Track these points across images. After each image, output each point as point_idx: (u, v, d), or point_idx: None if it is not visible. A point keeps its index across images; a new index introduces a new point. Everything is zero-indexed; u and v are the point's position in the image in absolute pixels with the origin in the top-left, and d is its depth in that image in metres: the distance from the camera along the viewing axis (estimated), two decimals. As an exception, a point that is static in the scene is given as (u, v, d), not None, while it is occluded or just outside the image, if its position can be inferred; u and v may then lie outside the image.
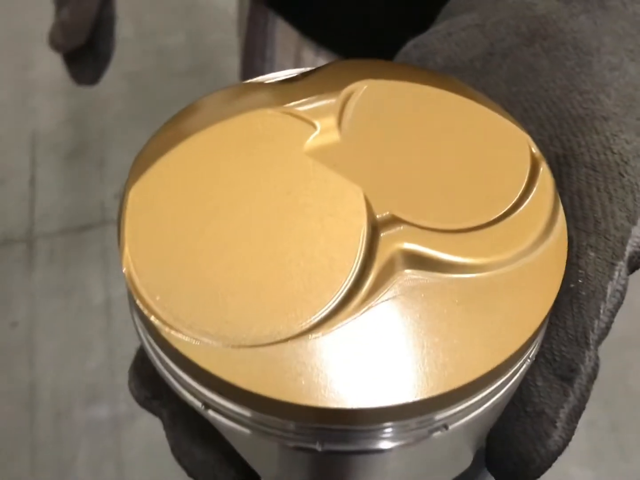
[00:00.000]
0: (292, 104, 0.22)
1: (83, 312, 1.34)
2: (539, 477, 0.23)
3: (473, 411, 0.20)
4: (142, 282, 0.20)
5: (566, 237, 0.21)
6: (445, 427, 0.19)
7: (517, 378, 0.21)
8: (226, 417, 0.20)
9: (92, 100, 1.61)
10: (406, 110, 0.23)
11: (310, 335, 0.19)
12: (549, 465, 0.23)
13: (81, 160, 1.53)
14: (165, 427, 0.24)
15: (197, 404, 0.20)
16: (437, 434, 0.19)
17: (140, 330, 0.21)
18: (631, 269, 0.25)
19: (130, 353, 0.24)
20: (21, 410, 1.23)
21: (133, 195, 0.21)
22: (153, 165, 0.21)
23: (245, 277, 0.20)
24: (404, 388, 0.18)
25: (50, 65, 1.61)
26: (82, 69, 0.45)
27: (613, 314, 0.24)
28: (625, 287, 0.24)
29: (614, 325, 0.24)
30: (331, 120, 0.22)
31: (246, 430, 0.20)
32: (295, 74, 0.24)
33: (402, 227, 0.20)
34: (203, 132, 0.22)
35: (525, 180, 0.22)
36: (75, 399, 1.24)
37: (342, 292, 0.19)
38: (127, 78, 1.63)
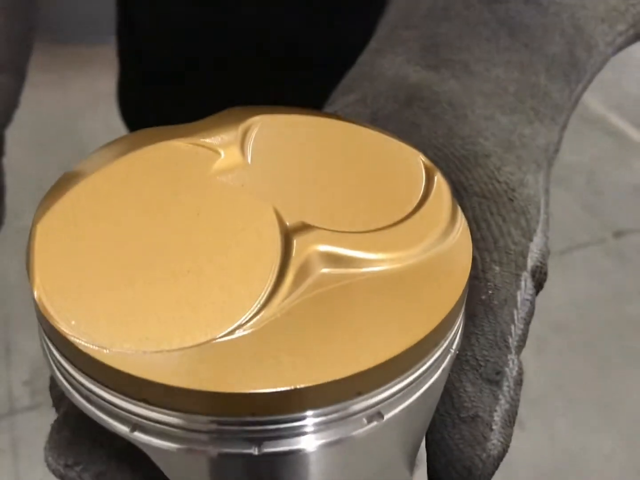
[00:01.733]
0: (195, 137, 0.23)
1: (-7, 510, 1.25)
2: None
3: (406, 399, 0.20)
4: (55, 308, 0.19)
5: (468, 230, 0.23)
6: (381, 415, 0.19)
7: (443, 370, 0.21)
8: (153, 434, 0.19)
9: (-4, 289, 1.59)
10: (303, 137, 0.24)
11: (234, 334, 0.19)
12: (492, 472, 0.23)
13: (-16, 351, 1.48)
14: None
15: (124, 429, 0.19)
16: (373, 424, 0.19)
17: (55, 367, 0.21)
18: (537, 285, 0.26)
19: None
20: None
21: (40, 227, 0.21)
22: (60, 198, 0.21)
23: (163, 295, 0.20)
24: (338, 364, 0.18)
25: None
26: None
27: (527, 321, 0.25)
28: (533, 300, 0.25)
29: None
30: (234, 148, 0.23)
31: (177, 446, 0.19)
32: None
33: (314, 232, 0.21)
34: (110, 165, 0.22)
35: (423, 185, 0.23)
36: None
37: (262, 297, 0.19)
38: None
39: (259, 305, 0.19)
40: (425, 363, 0.20)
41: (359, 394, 0.19)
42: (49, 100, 2.00)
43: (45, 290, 0.20)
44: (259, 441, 0.19)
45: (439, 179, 0.23)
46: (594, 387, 1.38)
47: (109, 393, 0.19)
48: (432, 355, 0.20)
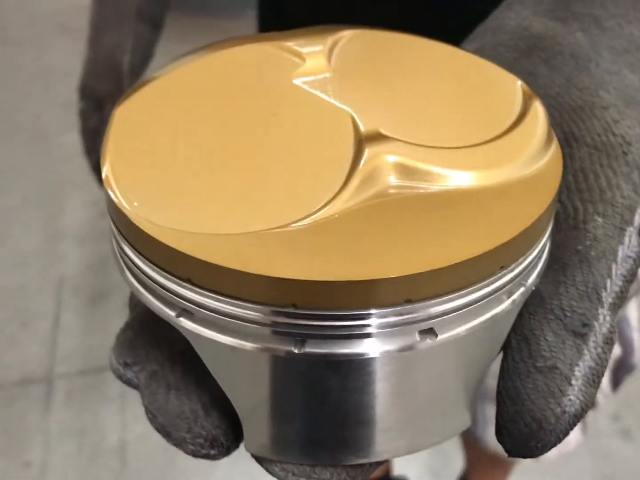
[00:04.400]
0: (284, 43, 0.23)
1: (97, 454, 1.30)
2: (555, 443, 0.21)
3: (463, 320, 0.19)
4: (120, 187, 0.19)
5: (561, 160, 0.21)
6: (434, 333, 0.18)
7: (513, 303, 0.20)
8: (197, 321, 0.19)
9: (120, 247, 1.64)
10: (394, 53, 0.23)
11: (289, 227, 0.18)
12: (566, 431, 0.21)
13: (106, 303, 1.54)
14: (142, 390, 0.23)
15: (170, 313, 0.19)
16: (426, 342, 0.18)
17: (117, 251, 0.21)
18: None
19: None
20: None
21: (120, 111, 0.21)
22: (143, 87, 0.22)
23: (227, 186, 0.19)
24: (386, 266, 0.17)
25: (80, 212, 1.67)
26: None
27: (627, 279, 0.23)
28: (638, 259, 0.24)
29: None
30: (320, 56, 0.23)
31: (220, 336, 0.19)
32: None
33: (388, 142, 0.20)
34: (195, 62, 0.22)
35: (518, 110, 0.22)
36: None
37: (323, 199, 0.19)
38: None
39: (318, 206, 0.19)
40: (487, 285, 0.19)
41: (408, 301, 0.18)
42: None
43: (114, 171, 0.20)
44: (302, 338, 0.18)
45: (536, 106, 0.22)
46: None
47: (157, 272, 0.19)
48: (497, 279, 0.19)
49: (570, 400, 0.21)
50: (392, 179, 0.19)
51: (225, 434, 0.21)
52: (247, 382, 0.20)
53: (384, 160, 0.20)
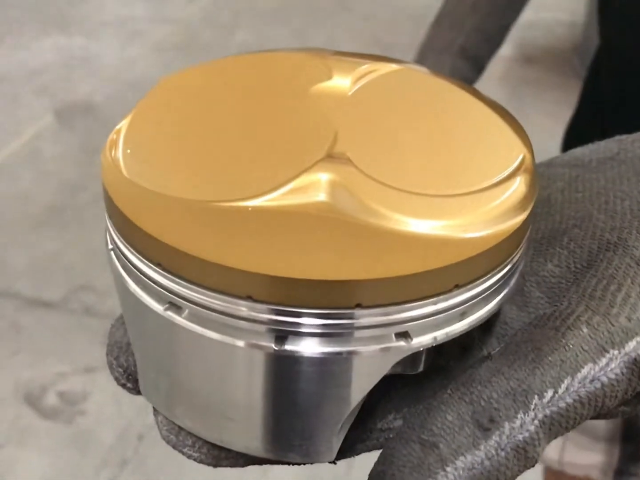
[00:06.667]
0: (328, 58, 0.25)
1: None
2: None
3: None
4: (125, 141, 0.22)
5: (506, 237, 0.21)
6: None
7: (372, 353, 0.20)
8: (120, 261, 0.21)
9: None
10: (418, 95, 0.25)
11: (223, 203, 0.20)
12: None
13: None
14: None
15: (110, 245, 0.22)
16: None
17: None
18: None
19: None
20: None
21: (162, 81, 0.25)
22: (189, 71, 0.25)
23: (205, 161, 0.22)
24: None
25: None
26: None
27: (583, 402, 0.21)
28: (611, 387, 0.21)
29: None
30: (347, 79, 0.25)
31: (132, 287, 0.21)
32: None
33: (345, 166, 0.21)
34: (232, 57, 0.26)
35: (501, 181, 0.22)
36: None
37: (259, 192, 0.20)
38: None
39: (252, 195, 0.20)
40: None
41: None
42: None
43: (129, 127, 0.23)
44: (175, 304, 0.20)
45: (523, 179, 0.22)
46: None
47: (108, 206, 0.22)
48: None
49: None
50: (322, 197, 0.20)
51: None
52: (144, 342, 0.22)
53: (319, 178, 0.21)
